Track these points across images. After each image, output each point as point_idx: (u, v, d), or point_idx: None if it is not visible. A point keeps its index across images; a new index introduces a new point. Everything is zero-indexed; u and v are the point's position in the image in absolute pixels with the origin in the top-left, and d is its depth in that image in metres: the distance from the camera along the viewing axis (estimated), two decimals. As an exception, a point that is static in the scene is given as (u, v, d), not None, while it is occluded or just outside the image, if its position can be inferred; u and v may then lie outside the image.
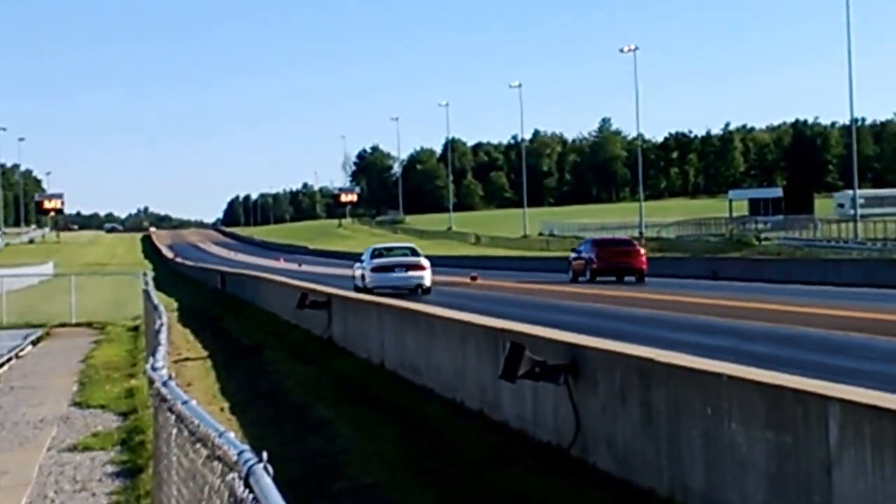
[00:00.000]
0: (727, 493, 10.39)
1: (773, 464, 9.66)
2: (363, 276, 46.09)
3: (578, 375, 13.42)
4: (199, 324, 41.22)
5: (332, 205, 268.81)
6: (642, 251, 56.06)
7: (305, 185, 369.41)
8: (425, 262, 47.39)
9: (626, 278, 52.20)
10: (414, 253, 49.49)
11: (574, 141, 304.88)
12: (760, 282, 51.46)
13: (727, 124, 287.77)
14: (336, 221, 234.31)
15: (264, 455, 5.12)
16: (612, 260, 52.72)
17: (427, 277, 46.41)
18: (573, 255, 57.65)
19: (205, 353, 30.38)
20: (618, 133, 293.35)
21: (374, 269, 45.57)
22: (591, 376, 13.18)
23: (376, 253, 48.96)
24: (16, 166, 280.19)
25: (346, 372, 23.86)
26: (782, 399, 9.65)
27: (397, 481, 13.41)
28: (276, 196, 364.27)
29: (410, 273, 46.25)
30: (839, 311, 30.62)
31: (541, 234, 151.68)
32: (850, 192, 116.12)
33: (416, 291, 44.40)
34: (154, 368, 9.80)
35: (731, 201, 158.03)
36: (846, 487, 8.68)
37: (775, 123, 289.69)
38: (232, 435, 5.81)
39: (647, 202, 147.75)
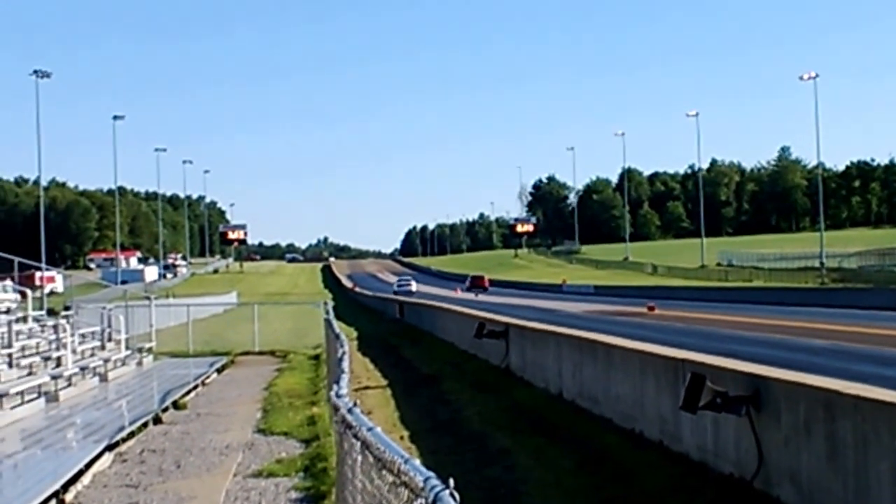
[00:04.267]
0: (916, 529, 10.15)
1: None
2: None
3: (761, 407, 13.23)
4: (378, 352, 41.62)
5: (508, 235, 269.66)
6: None
7: (482, 216, 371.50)
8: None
9: None
10: None
11: (752, 170, 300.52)
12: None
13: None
14: (512, 251, 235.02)
15: (451, 482, 5.17)
16: None
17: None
18: None
19: (384, 382, 30.65)
20: (798, 162, 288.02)
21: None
22: (774, 408, 12.98)
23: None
24: (201, 198, 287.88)
25: (524, 401, 23.87)
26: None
27: (577, 510, 13.37)
28: (452, 226, 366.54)
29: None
30: None
31: (719, 265, 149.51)
32: None
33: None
34: (338, 396, 9.96)
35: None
36: None
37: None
38: (418, 462, 5.88)
39: (827, 232, 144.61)
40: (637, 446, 17.07)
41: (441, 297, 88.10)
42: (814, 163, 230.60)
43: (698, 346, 25.98)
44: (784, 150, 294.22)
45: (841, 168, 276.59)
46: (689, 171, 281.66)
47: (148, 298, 47.30)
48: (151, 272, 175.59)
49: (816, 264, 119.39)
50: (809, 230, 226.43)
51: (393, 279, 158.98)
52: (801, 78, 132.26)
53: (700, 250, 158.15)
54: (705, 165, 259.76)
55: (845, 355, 28.67)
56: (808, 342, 34.02)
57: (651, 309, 59.91)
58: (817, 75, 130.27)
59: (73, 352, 30.23)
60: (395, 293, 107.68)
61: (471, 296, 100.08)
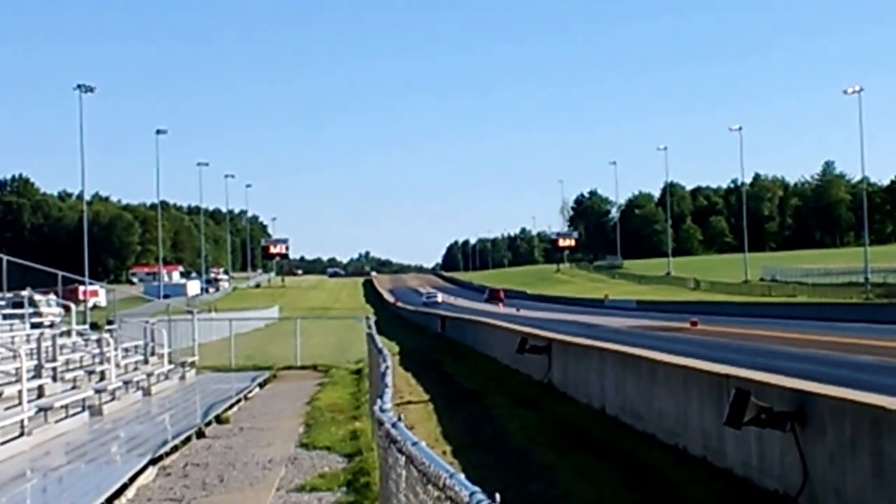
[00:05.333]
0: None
1: None
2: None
3: (805, 423, 13.15)
4: (420, 367, 41.66)
5: (549, 249, 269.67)
6: None
7: (523, 230, 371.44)
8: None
9: None
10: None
11: (796, 184, 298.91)
12: None
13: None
14: (554, 266, 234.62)
15: (497, 497, 5.15)
16: None
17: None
18: None
19: (426, 397, 30.66)
20: (842, 176, 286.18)
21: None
22: (819, 424, 12.90)
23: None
24: (243, 212, 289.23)
25: (567, 417, 23.82)
26: None
27: (620, 527, 13.32)
28: (494, 241, 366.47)
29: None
30: None
31: (762, 280, 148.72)
32: None
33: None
34: (382, 410, 9.96)
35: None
36: None
37: None
38: (462, 476, 5.87)
39: (872, 247, 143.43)
40: (680, 462, 17.01)
41: (482, 312, 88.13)
42: (858, 177, 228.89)
43: (742, 361, 25.88)
44: (828, 164, 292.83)
45: (885, 183, 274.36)
46: (732, 185, 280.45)
47: (190, 313, 47.47)
48: (194, 286, 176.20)
49: (861, 279, 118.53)
50: (853, 245, 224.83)
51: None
52: (845, 92, 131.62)
53: (743, 265, 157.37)
54: (748, 180, 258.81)
55: (891, 371, 28.45)
56: (853, 358, 33.78)
57: (694, 324, 59.66)
58: (862, 89, 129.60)
59: (117, 366, 30.38)
60: (424, 304, 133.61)
61: (513, 311, 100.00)
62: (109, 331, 34.19)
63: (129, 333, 37.83)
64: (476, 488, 5.43)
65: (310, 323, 60.58)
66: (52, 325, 36.26)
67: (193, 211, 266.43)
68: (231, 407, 28.96)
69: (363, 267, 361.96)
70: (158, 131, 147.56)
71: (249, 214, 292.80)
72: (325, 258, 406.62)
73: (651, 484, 15.65)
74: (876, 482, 11.57)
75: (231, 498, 16.56)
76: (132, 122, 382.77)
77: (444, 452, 19.16)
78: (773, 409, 13.54)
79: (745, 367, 18.96)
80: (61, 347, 28.54)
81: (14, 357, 22.77)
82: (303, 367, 42.52)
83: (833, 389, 13.78)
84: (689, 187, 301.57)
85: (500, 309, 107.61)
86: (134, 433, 23.77)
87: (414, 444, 7.36)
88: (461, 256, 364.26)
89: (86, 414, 25.53)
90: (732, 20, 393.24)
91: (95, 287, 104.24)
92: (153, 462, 19.06)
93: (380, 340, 27.18)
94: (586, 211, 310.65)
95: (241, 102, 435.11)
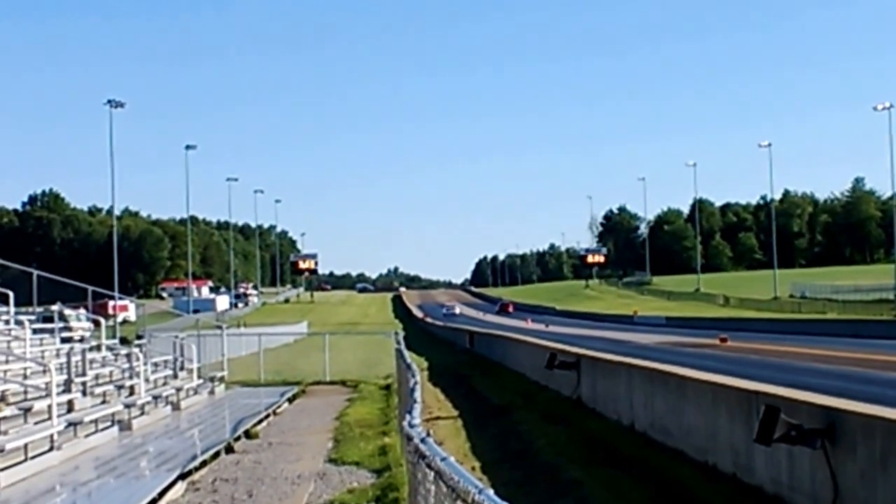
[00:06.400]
0: None
1: None
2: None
3: (836, 440, 13.09)
4: (449, 383, 41.65)
5: (578, 265, 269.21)
6: None
7: (552, 246, 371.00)
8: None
9: None
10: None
11: (826, 201, 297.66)
12: None
13: None
14: (583, 282, 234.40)
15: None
16: None
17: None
18: None
19: (455, 413, 30.65)
20: (871, 193, 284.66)
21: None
22: (850, 441, 12.84)
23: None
24: (272, 227, 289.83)
25: (596, 433, 23.78)
26: None
27: (650, 544, 13.28)
28: (523, 256, 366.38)
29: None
30: None
31: (791, 296, 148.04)
32: None
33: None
34: (411, 426, 9.98)
35: None
36: None
37: None
38: (492, 492, 5.87)
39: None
40: (710, 479, 16.95)
41: (511, 328, 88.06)
42: (888, 194, 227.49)
43: (771, 378, 25.75)
44: (858, 180, 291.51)
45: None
46: (762, 201, 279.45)
47: (220, 327, 47.51)
48: (223, 301, 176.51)
49: (891, 296, 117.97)
50: (883, 262, 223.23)
51: (463, 309, 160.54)
52: (875, 108, 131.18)
53: (772, 282, 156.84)
54: (778, 196, 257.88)
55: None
56: (884, 375, 33.63)
57: (723, 341, 59.51)
58: (892, 106, 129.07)
59: (146, 380, 30.45)
60: (444, 315, 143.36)
61: (541, 326, 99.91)
62: (139, 345, 34.35)
63: (159, 348, 37.93)
64: (505, 504, 5.44)
65: (339, 338, 60.64)
66: (81, 340, 36.41)
67: (223, 226, 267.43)
68: (260, 422, 29.00)
69: (392, 282, 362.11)
70: (188, 147, 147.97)
71: (279, 229, 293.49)
72: (354, 273, 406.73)
73: (681, 501, 15.61)
74: (907, 500, 11.52)
75: (260, 513, 16.59)
76: (162, 137, 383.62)
77: (474, 468, 19.15)
78: (803, 427, 13.49)
79: (774, 383, 18.87)
80: (91, 362, 28.62)
81: (44, 371, 22.86)
82: (331, 383, 42.52)
83: (863, 406, 13.71)
84: (718, 203, 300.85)
85: (528, 325, 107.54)
86: (163, 448, 23.83)
87: (443, 459, 7.37)
88: (490, 272, 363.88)
89: (115, 428, 25.59)
90: (761, 38, 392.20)
91: (125, 302, 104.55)
92: (182, 477, 19.10)
93: (408, 356, 27.18)
94: (615, 227, 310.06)
95: (271, 118, 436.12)
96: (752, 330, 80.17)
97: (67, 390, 24.62)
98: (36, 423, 21.47)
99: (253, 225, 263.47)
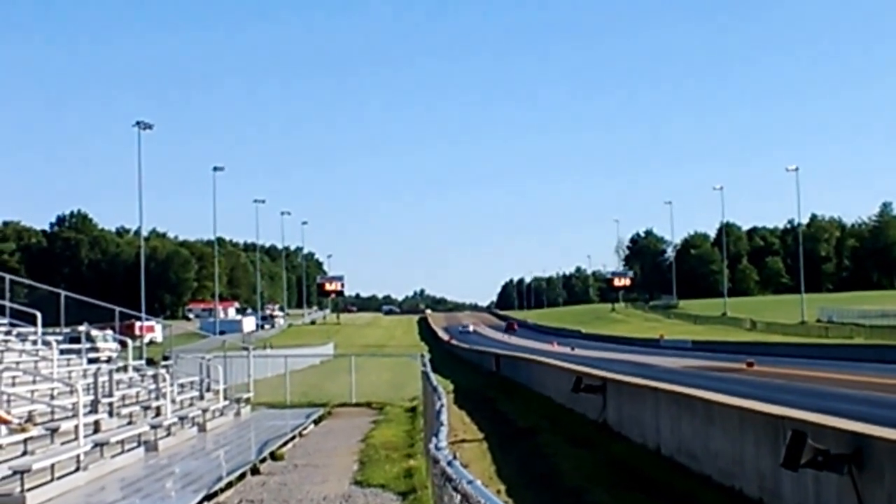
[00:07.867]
0: None
1: None
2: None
3: (863, 465, 13.04)
4: (475, 405, 41.60)
5: (605, 289, 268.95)
6: None
7: (578, 269, 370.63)
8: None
9: None
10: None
11: (853, 225, 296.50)
12: None
13: None
14: (609, 305, 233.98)
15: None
16: None
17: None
18: None
19: (480, 435, 30.61)
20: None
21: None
22: (877, 466, 12.78)
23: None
24: (299, 249, 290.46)
25: (622, 456, 23.72)
26: None
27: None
28: (549, 279, 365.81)
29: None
30: None
31: (819, 321, 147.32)
32: None
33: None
34: (438, 448, 9.98)
35: None
36: None
37: None
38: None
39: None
40: (736, 503, 16.88)
41: (536, 350, 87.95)
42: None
43: (798, 403, 25.63)
44: (885, 205, 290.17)
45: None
46: (789, 226, 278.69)
47: (246, 349, 47.60)
48: (249, 323, 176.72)
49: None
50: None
51: (489, 332, 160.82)
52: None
53: (800, 306, 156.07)
54: (805, 220, 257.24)
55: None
56: (912, 400, 33.46)
57: (750, 365, 59.33)
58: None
59: (173, 401, 30.53)
60: (460, 333, 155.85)
61: (567, 350, 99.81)
62: (165, 366, 34.41)
63: (185, 369, 38.04)
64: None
65: (365, 360, 60.70)
66: (108, 361, 36.53)
67: (249, 247, 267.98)
68: (286, 443, 29.00)
69: (418, 305, 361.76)
70: (215, 168, 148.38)
71: (305, 251, 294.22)
72: (380, 295, 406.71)
73: (706, 525, 15.56)
74: (935, 526, 11.45)
75: (285, 534, 16.60)
76: (190, 159, 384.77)
77: (499, 491, 19.10)
78: (830, 452, 13.44)
79: (801, 408, 18.81)
80: (118, 383, 28.74)
81: (71, 392, 22.95)
82: (357, 405, 42.52)
83: (891, 432, 13.64)
84: (745, 227, 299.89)
85: (554, 348, 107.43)
86: (189, 469, 23.87)
87: (470, 482, 7.38)
88: (516, 295, 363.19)
89: (141, 449, 25.66)
90: (789, 63, 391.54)
91: (152, 323, 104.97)
92: (208, 498, 19.13)
93: (434, 378, 27.17)
94: (642, 250, 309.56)
95: (298, 140, 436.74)
96: (779, 354, 79.86)
97: (94, 411, 24.72)
98: (63, 444, 21.57)
99: (280, 246, 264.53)
